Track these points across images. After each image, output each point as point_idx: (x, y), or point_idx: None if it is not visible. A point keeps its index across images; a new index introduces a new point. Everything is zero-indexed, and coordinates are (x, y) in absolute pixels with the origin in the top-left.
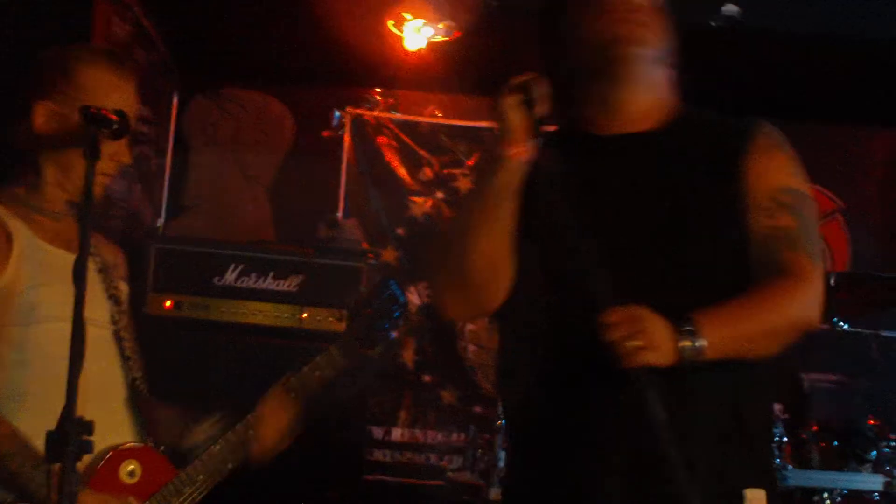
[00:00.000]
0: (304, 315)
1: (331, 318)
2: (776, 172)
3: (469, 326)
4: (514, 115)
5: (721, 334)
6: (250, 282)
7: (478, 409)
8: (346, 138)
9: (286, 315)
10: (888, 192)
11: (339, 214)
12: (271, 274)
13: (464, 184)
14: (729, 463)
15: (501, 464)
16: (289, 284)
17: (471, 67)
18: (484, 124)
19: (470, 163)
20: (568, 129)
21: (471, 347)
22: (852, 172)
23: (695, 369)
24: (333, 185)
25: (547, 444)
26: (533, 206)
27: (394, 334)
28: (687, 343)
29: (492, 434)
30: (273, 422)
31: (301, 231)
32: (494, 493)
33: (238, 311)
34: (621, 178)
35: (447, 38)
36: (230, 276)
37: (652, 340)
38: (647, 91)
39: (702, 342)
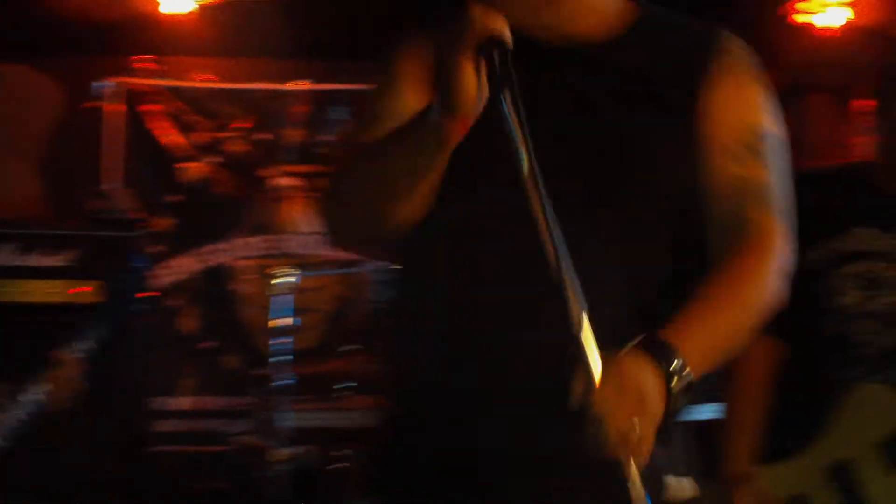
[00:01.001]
0: (76, 290)
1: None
2: (746, 107)
3: (248, 290)
4: (472, 80)
5: (702, 356)
6: (21, 260)
7: (259, 371)
8: (113, 108)
9: (57, 291)
10: None
11: (109, 185)
12: (42, 250)
13: (238, 146)
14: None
15: (283, 424)
16: (60, 259)
17: (240, 29)
18: (256, 86)
19: (245, 125)
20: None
21: (250, 311)
22: None
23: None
24: (102, 156)
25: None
26: None
27: (142, 303)
28: (677, 387)
29: (273, 396)
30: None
31: (71, 205)
32: (278, 454)
33: (10, 290)
34: (549, 108)
35: (214, 1)
36: (1, 256)
37: (651, 420)
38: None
39: (689, 376)
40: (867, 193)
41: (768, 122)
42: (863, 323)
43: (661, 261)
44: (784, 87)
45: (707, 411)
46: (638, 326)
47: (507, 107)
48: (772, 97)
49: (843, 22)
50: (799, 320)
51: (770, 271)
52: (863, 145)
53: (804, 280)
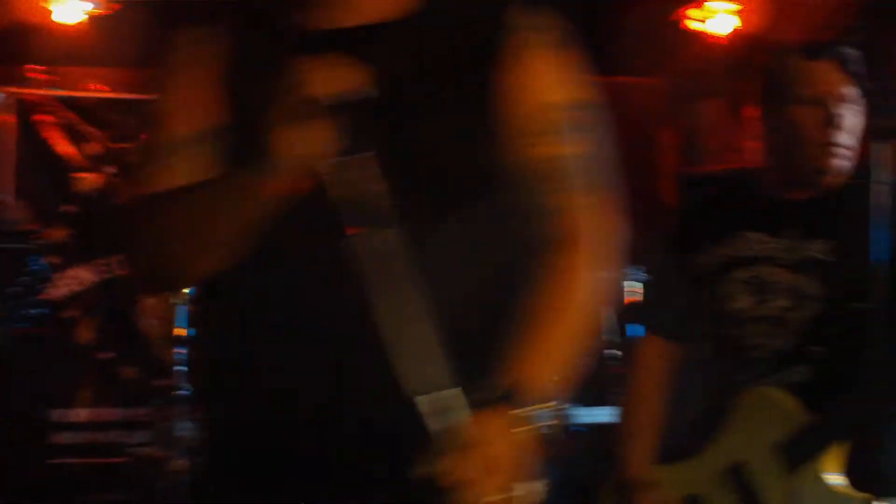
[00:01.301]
0: None
1: None
2: (542, 83)
3: (147, 301)
4: (325, 139)
5: (555, 378)
6: None
7: (158, 382)
8: (5, 118)
9: None
10: None
11: (2, 197)
12: None
13: (132, 157)
14: None
15: (183, 434)
16: None
17: (132, 38)
18: (149, 96)
19: (138, 135)
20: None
21: (149, 321)
22: None
23: None
24: None
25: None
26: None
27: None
28: (542, 426)
29: (173, 406)
30: None
31: None
32: (179, 464)
33: None
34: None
35: (106, 11)
36: None
37: (502, 473)
38: None
39: (551, 411)
40: (756, 198)
41: (569, 93)
42: (754, 327)
43: (495, 258)
44: (677, 93)
45: (603, 414)
46: (481, 335)
47: (369, 167)
48: (574, 62)
49: (732, 28)
50: (692, 324)
51: (588, 261)
52: (753, 150)
53: (696, 284)
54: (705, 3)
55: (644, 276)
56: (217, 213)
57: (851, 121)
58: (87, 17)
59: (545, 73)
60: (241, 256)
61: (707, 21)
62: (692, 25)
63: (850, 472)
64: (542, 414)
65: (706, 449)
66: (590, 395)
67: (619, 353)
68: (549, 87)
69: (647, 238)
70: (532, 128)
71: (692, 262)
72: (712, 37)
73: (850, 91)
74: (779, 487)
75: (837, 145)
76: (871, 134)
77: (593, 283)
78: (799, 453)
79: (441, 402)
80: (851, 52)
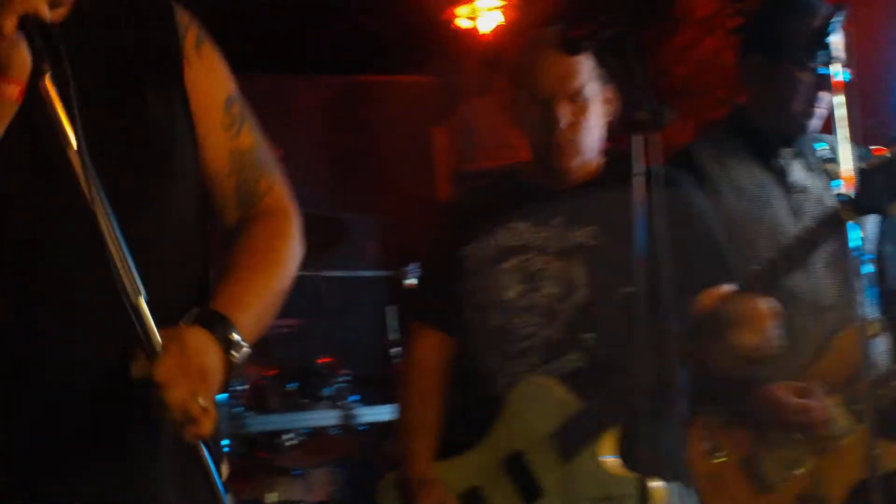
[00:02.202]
0: None
1: None
2: (219, 78)
3: None
4: (15, 45)
5: (254, 323)
6: None
7: None
8: None
9: None
10: (326, 136)
11: None
12: None
13: None
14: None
15: None
16: None
17: None
18: None
19: None
20: None
21: None
22: (285, 122)
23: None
24: None
25: None
26: None
27: None
28: (237, 358)
29: None
30: None
31: None
32: None
33: None
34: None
35: None
36: None
37: (213, 394)
38: None
39: (246, 346)
40: (523, 189)
41: (234, 85)
42: (526, 316)
43: (194, 243)
44: (450, 91)
45: (387, 412)
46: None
47: (47, 90)
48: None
49: (498, 25)
50: (464, 315)
51: (294, 231)
52: (521, 144)
53: (468, 275)
54: (473, 2)
55: (420, 270)
56: None
57: (592, 115)
58: None
59: (217, 67)
60: None
61: (476, 19)
62: (462, 24)
63: (623, 454)
64: (244, 347)
65: (483, 441)
66: (374, 393)
67: (403, 350)
68: (224, 80)
69: (422, 233)
70: (223, 120)
71: (463, 254)
72: (481, 34)
73: (597, 84)
74: (555, 473)
75: (575, 141)
76: (627, 126)
77: (296, 250)
78: (572, 439)
79: (146, 311)
80: (607, 46)
